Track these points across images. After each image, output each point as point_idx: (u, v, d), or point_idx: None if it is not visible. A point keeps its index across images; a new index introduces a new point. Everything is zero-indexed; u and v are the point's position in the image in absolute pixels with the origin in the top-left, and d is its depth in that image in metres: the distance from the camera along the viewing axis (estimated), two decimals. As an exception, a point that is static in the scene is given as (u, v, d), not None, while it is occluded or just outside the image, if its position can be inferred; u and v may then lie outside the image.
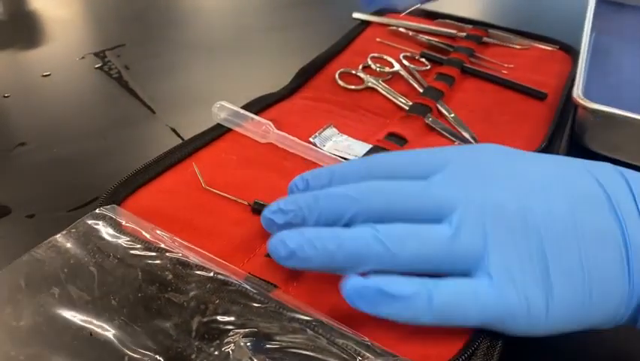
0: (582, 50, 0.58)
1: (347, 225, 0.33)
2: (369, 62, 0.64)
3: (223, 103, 0.51)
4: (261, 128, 0.49)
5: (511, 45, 0.70)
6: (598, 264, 0.30)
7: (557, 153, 0.52)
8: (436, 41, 0.70)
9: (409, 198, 0.34)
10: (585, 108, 0.51)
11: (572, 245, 0.30)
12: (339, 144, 0.50)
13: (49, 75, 0.63)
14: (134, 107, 0.58)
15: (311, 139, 0.49)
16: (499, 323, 0.31)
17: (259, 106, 0.53)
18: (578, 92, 0.53)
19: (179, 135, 0.54)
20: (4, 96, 0.59)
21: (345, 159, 0.47)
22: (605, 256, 0.30)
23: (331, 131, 0.52)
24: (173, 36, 0.72)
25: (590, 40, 0.61)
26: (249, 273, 0.34)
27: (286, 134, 0.48)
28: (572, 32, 0.67)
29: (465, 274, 0.32)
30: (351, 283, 0.31)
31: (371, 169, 0.37)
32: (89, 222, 0.35)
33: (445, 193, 0.33)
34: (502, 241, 0.31)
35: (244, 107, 0.52)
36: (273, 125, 0.49)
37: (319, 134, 0.51)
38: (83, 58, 0.65)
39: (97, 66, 0.64)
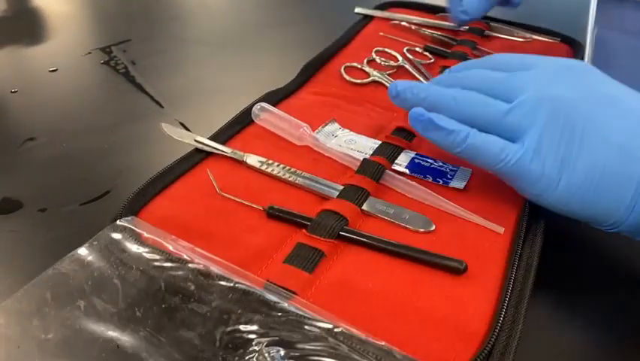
0: (587, 46, 0.59)
1: None
2: (374, 56, 0.64)
3: (263, 104, 0.51)
4: (298, 131, 0.49)
5: (512, 38, 0.71)
6: (612, 170, 0.38)
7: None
8: (438, 34, 0.70)
9: (494, 81, 0.44)
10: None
11: (601, 150, 0.38)
12: (342, 139, 0.50)
13: (55, 70, 0.63)
14: (142, 101, 0.59)
15: (314, 134, 0.50)
16: (514, 179, 0.41)
17: (268, 102, 0.53)
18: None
19: (188, 130, 0.55)
20: (12, 91, 0.59)
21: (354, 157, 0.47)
22: (622, 167, 0.38)
23: (334, 126, 0.52)
24: (178, 31, 0.72)
25: (594, 35, 0.61)
26: (268, 280, 0.35)
27: (320, 140, 0.49)
28: (572, 24, 0.68)
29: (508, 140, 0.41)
30: (414, 111, 0.44)
31: (485, 64, 0.47)
32: (110, 234, 0.35)
33: (518, 82, 0.42)
34: (544, 125, 0.39)
35: (255, 104, 0.53)
36: (309, 128, 0.49)
37: (322, 128, 0.51)
38: (89, 53, 0.66)
39: (103, 61, 0.64)
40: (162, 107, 0.58)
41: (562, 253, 0.43)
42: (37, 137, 0.53)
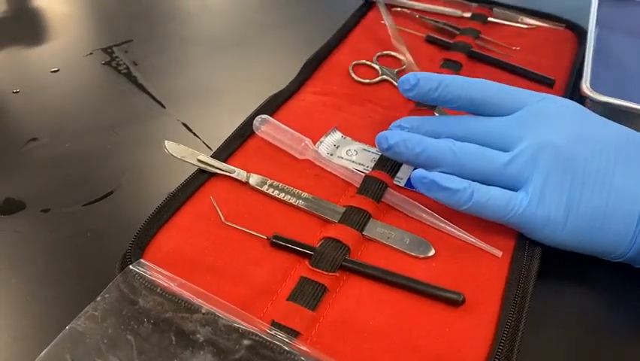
0: (588, 43, 0.58)
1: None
2: (368, 62, 0.63)
3: (264, 117, 0.51)
4: (299, 145, 0.50)
5: (517, 24, 0.69)
6: (614, 211, 0.40)
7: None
8: (441, 23, 0.69)
9: (487, 132, 0.45)
10: (594, 101, 0.52)
11: (602, 191, 0.40)
12: (343, 150, 0.51)
13: (57, 71, 0.63)
14: (144, 102, 0.59)
15: (316, 146, 0.50)
16: (521, 226, 0.42)
17: (270, 109, 0.54)
18: (586, 84, 0.53)
19: (190, 130, 0.55)
20: (14, 92, 0.59)
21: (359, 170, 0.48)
22: (623, 207, 0.40)
23: (335, 136, 0.52)
24: (180, 31, 0.71)
25: (595, 33, 0.61)
26: (273, 320, 0.37)
27: (322, 154, 0.49)
28: (578, 9, 0.67)
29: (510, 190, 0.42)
30: (417, 173, 0.43)
31: (469, 95, 0.46)
32: (121, 284, 0.36)
33: (514, 131, 0.43)
34: (547, 173, 0.41)
35: (257, 112, 0.53)
36: (311, 142, 0.50)
37: (324, 139, 0.52)
38: (90, 54, 0.65)
39: (105, 62, 0.64)
40: (164, 107, 0.58)
41: (558, 279, 0.44)
42: (40, 137, 0.54)
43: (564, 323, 0.41)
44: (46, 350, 0.34)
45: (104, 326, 0.34)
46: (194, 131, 0.55)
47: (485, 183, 0.43)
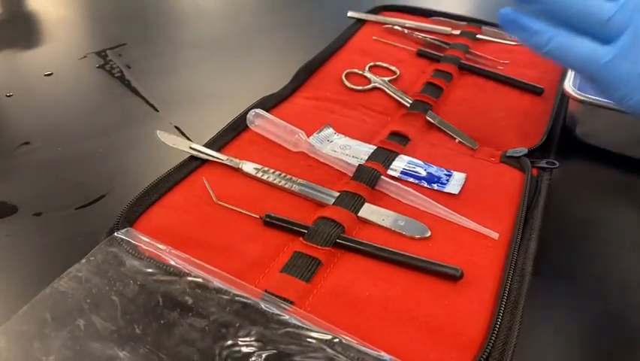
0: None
1: None
2: (361, 72, 0.64)
3: (258, 111, 0.52)
4: (293, 137, 0.49)
5: (505, 41, 0.71)
6: None
7: (552, 146, 0.54)
8: (431, 38, 0.70)
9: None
10: (576, 100, 0.53)
11: None
12: (337, 144, 0.51)
13: (51, 74, 0.63)
14: (137, 105, 0.59)
15: (309, 139, 0.50)
16: (600, 82, 0.40)
17: (263, 108, 0.54)
18: (569, 84, 0.54)
19: (183, 133, 0.55)
20: (7, 95, 0.59)
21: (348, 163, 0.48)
22: None
23: (328, 131, 0.52)
24: (173, 35, 0.72)
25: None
26: (266, 290, 0.36)
27: (315, 145, 0.49)
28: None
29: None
30: (503, 10, 0.41)
31: None
32: (107, 248, 0.35)
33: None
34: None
35: (250, 109, 0.53)
36: (304, 134, 0.49)
37: (317, 134, 0.52)
38: (84, 57, 0.65)
39: (98, 65, 0.64)
40: (157, 110, 0.58)
41: (557, 258, 0.43)
42: (33, 141, 0.53)
43: (566, 305, 0.41)
44: (24, 308, 0.32)
45: (87, 287, 0.33)
46: (187, 134, 0.55)
47: (581, 32, 0.40)
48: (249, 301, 0.33)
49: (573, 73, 0.55)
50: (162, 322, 0.31)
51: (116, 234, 0.36)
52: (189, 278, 0.34)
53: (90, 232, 0.44)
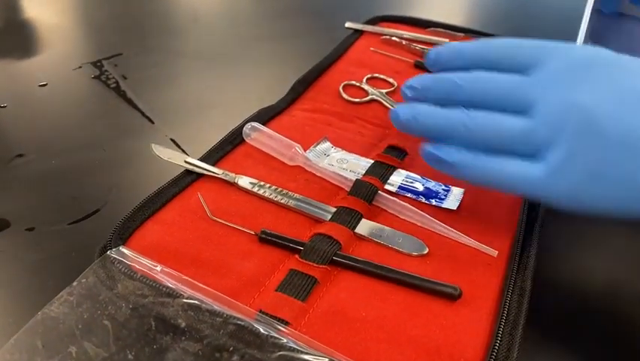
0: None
1: (453, 105, 0.41)
2: (358, 83, 0.64)
3: (254, 124, 0.51)
4: (290, 151, 0.49)
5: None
6: None
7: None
8: (428, 50, 0.70)
9: (502, 91, 0.40)
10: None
11: (633, 156, 0.34)
12: (334, 158, 0.50)
13: (45, 85, 0.62)
14: (133, 117, 0.58)
15: (306, 153, 0.49)
16: (542, 199, 0.39)
17: (260, 121, 0.53)
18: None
19: (179, 146, 0.54)
20: (1, 106, 0.58)
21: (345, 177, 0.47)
22: None
23: (325, 145, 0.52)
24: (170, 45, 0.71)
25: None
26: (260, 310, 0.35)
27: (312, 160, 0.48)
28: (564, 40, 0.68)
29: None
30: (424, 147, 0.42)
31: (483, 56, 0.43)
32: (99, 269, 0.34)
33: (533, 91, 0.38)
34: (571, 142, 0.35)
35: (246, 122, 0.52)
36: (301, 148, 0.49)
37: (314, 147, 0.51)
38: (79, 67, 0.65)
39: (94, 76, 0.64)
40: (153, 122, 0.58)
41: (556, 276, 0.43)
42: (26, 153, 0.53)
43: (566, 320, 0.40)
44: (15, 336, 0.31)
45: (79, 311, 0.32)
46: (182, 147, 0.54)
47: (503, 153, 0.39)
48: (243, 323, 0.32)
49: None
50: (155, 347, 0.31)
51: (108, 253, 0.36)
52: (183, 300, 0.33)
53: (84, 247, 0.43)
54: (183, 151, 0.54)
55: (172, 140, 0.55)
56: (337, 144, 0.52)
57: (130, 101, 0.60)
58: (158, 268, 0.35)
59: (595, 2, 0.63)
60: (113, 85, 0.62)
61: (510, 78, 0.40)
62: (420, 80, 0.44)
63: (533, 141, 0.37)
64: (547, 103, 0.37)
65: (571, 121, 0.36)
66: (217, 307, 0.33)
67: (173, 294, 0.34)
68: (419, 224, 0.44)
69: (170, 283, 0.35)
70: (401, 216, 0.44)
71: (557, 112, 0.36)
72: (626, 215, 0.36)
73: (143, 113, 0.59)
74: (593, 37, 0.64)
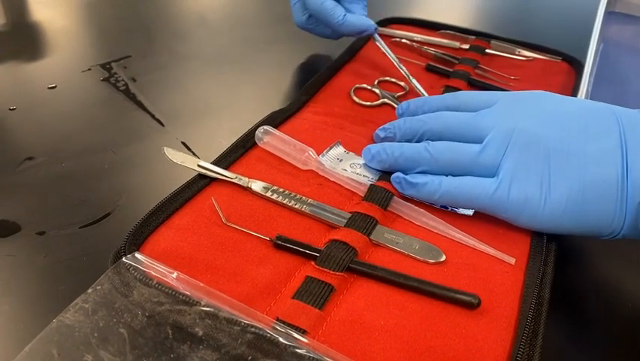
0: (587, 59, 0.58)
1: (419, 140, 0.48)
2: (383, 79, 0.63)
3: (267, 128, 0.51)
4: (303, 155, 0.48)
5: (514, 56, 0.70)
6: (592, 187, 0.40)
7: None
8: (440, 53, 0.69)
9: (460, 124, 0.47)
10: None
11: (575, 164, 0.41)
12: (347, 163, 0.50)
13: (54, 87, 0.62)
14: (143, 120, 0.58)
15: (319, 158, 0.49)
16: (501, 211, 0.43)
17: (272, 124, 0.53)
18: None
19: (189, 149, 0.54)
20: (10, 109, 0.58)
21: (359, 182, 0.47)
22: (600, 183, 0.40)
23: (338, 149, 0.51)
24: (179, 48, 0.71)
25: (598, 51, 0.61)
26: (277, 318, 0.34)
27: (326, 165, 0.48)
28: (575, 43, 0.67)
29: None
30: (394, 176, 0.46)
31: (446, 103, 0.51)
32: (114, 275, 0.34)
33: (484, 121, 0.45)
34: (517, 156, 0.42)
35: (258, 125, 0.52)
36: (314, 152, 0.49)
37: (327, 152, 0.51)
38: (88, 70, 0.64)
39: (103, 78, 0.63)
40: (163, 125, 0.57)
41: (574, 283, 0.42)
42: (36, 156, 0.52)
43: (586, 327, 0.40)
44: (30, 344, 0.31)
45: (94, 319, 0.32)
46: (193, 150, 0.54)
47: (462, 174, 0.44)
48: (260, 332, 0.32)
49: (585, 88, 0.54)
50: (172, 356, 0.30)
51: (123, 259, 0.35)
52: (200, 308, 0.32)
53: (95, 251, 0.43)
54: (194, 154, 0.53)
55: (183, 143, 0.54)
56: (349, 147, 0.52)
57: (140, 104, 0.60)
58: (174, 275, 0.35)
59: (607, 4, 0.63)
60: (123, 87, 0.62)
61: (467, 114, 0.47)
62: (391, 123, 0.51)
63: (487, 161, 0.43)
64: (496, 130, 0.44)
65: (515, 141, 0.43)
66: (234, 315, 0.32)
67: (189, 301, 0.33)
68: (435, 231, 0.43)
69: (186, 289, 0.34)
70: (416, 223, 0.44)
71: (504, 136, 0.43)
72: (588, 230, 0.41)
73: (153, 116, 0.58)
74: (606, 39, 0.64)
